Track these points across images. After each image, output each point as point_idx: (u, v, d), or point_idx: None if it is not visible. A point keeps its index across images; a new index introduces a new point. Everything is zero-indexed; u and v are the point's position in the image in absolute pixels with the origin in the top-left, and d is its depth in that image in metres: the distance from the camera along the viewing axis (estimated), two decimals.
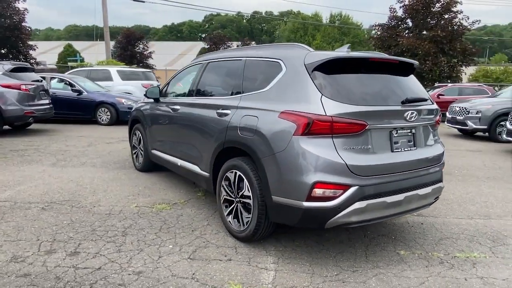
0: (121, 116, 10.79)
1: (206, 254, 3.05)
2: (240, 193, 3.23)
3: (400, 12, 22.03)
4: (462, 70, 20.86)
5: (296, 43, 3.33)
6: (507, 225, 3.95)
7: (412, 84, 3.28)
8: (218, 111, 3.57)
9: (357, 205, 2.66)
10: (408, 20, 21.98)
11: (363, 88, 2.92)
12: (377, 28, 22.50)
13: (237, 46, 38.94)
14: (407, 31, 21.85)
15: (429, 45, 19.50)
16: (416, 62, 3.39)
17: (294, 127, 2.71)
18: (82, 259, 2.90)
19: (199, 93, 4.15)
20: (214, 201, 4.33)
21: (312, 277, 2.75)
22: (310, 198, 2.64)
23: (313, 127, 2.65)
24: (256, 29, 76.68)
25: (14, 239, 3.21)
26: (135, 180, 5.12)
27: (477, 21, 20.92)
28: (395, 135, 2.94)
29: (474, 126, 10.22)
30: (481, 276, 2.84)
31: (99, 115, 10.76)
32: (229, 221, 3.40)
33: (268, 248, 3.20)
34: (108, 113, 10.69)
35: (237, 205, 3.30)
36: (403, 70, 3.29)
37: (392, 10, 22.11)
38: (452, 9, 20.52)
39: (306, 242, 3.35)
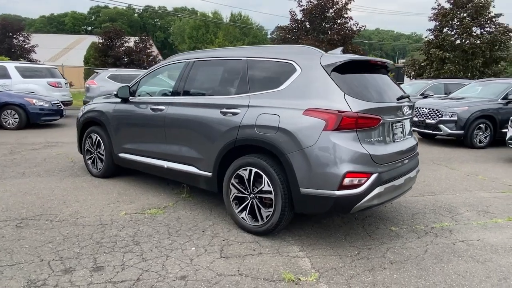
0: (32, 119, 9.50)
1: (235, 251, 3.11)
2: (256, 189, 3.35)
3: (299, 16, 23.70)
4: None
5: (304, 45, 3.57)
6: (450, 198, 4.83)
7: (393, 83, 3.80)
8: (222, 110, 3.60)
9: (378, 189, 3.05)
10: (307, 23, 23.81)
11: (369, 87, 3.32)
12: (280, 30, 23.86)
13: (135, 42, 37.14)
14: (306, 33, 23.61)
15: (327, 47, 21.45)
16: (391, 62, 3.92)
17: (323, 123, 2.96)
18: (111, 273, 2.70)
19: (188, 92, 4.08)
20: (202, 201, 4.33)
21: (342, 258, 3.05)
22: (341, 187, 2.93)
23: (342, 123, 2.93)
24: (149, 24, 73.48)
25: (12, 263, 2.79)
26: (102, 187, 4.73)
27: (364, 26, 23.77)
28: (394, 127, 3.41)
29: None
30: (461, 239, 3.51)
31: (4, 119, 9.30)
32: (242, 217, 3.48)
33: (286, 238, 3.40)
34: (16, 116, 9.31)
35: (252, 201, 3.41)
36: (386, 70, 3.81)
37: (292, 13, 23.68)
38: (344, 15, 22.94)
39: (314, 229, 3.64)
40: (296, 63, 3.31)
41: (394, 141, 3.38)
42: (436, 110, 9.09)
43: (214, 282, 2.62)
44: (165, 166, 4.18)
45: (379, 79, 3.54)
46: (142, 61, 38.91)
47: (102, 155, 5.04)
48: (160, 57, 41.32)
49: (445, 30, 27.64)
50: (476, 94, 10.00)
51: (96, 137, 5.08)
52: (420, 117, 9.47)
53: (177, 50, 61.42)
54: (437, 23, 27.64)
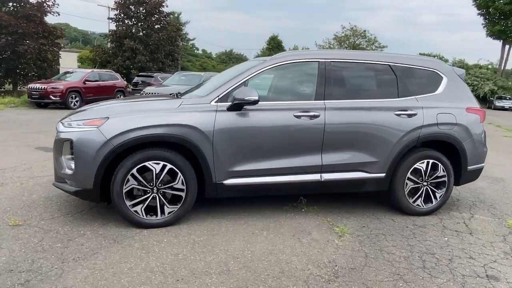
0: None
1: (474, 227, 3.74)
2: (431, 177, 3.98)
3: None
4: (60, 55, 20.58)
5: (428, 57, 4.32)
6: None
7: None
8: (396, 112, 3.80)
9: None
10: None
11: None
12: None
13: None
14: None
15: (28, 24, 17.57)
16: None
17: (479, 118, 4.14)
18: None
19: (341, 95, 3.73)
20: (330, 208, 4.10)
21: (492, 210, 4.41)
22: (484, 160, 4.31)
23: (484, 116, 4.25)
24: None
25: None
26: (231, 232, 3.29)
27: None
28: None
29: None
30: None
31: None
32: (417, 205, 4.00)
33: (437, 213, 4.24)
34: None
35: (425, 188, 4.00)
36: None
37: None
38: None
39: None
40: (440, 72, 4.14)
41: None
42: None
43: None
44: (322, 179, 3.65)
45: None
46: None
47: (180, 189, 3.29)
48: None
49: (126, 21, 29.11)
50: None
51: (164, 166, 3.21)
52: None
53: None
54: (119, 13, 28.70)
